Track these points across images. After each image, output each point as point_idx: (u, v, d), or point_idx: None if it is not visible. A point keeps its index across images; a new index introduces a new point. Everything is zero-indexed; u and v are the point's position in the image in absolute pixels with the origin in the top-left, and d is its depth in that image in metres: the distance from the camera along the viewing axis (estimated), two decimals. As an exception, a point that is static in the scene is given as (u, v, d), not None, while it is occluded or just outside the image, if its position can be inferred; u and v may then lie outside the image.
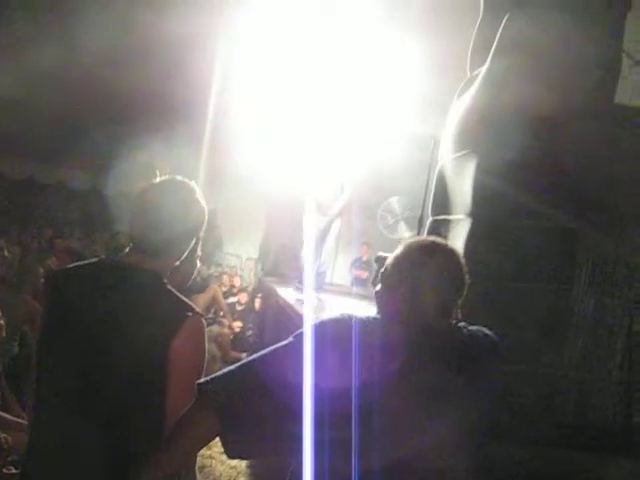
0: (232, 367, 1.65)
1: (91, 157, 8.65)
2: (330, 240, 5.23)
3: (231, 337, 7.12)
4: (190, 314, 1.79)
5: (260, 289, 7.72)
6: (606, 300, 2.27)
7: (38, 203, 9.88)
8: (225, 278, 8.72)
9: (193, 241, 1.88)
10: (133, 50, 7.26)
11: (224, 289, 8.38)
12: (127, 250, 1.86)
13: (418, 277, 1.65)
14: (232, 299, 8.23)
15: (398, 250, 1.71)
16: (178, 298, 1.81)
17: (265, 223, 8.53)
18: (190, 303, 1.85)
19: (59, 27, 7.04)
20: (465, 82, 2.61)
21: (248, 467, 4.43)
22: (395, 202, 8.10)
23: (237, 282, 8.73)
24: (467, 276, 1.69)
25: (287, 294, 4.99)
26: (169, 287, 1.82)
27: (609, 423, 2.15)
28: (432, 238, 1.75)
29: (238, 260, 9.61)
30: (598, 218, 2.27)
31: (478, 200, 2.23)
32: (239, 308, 8.11)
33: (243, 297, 8.29)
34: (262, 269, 8.26)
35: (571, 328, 2.25)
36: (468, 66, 2.67)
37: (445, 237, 2.37)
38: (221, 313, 7.54)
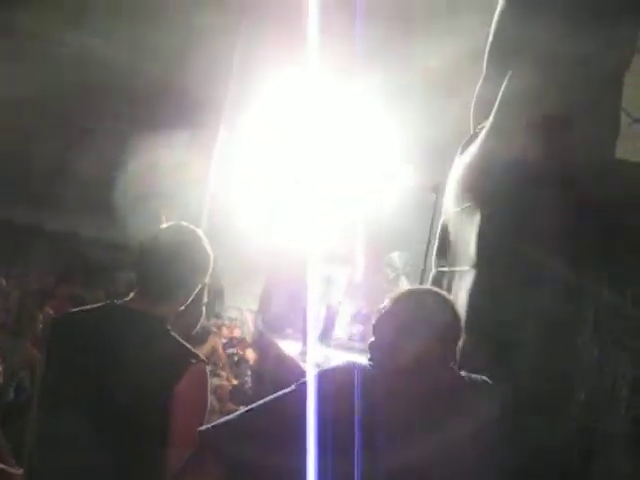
0: (234, 415, 1.65)
1: (97, 206, 8.72)
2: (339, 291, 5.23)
3: (229, 389, 7.02)
4: (194, 361, 1.78)
5: (259, 342, 7.67)
6: (609, 349, 2.26)
7: (39, 248, 9.89)
8: (225, 330, 8.68)
9: (198, 287, 1.89)
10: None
11: (224, 341, 8.32)
12: (132, 295, 1.86)
13: (400, 326, 1.67)
14: (231, 350, 8.18)
15: (385, 302, 1.74)
16: (182, 344, 1.81)
17: (266, 276, 8.52)
18: (193, 350, 1.85)
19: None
20: (468, 139, 2.67)
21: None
22: (396, 257, 8.14)
23: (237, 333, 8.69)
24: (459, 322, 1.69)
25: (289, 347, 4.95)
26: (173, 333, 1.82)
27: (615, 474, 2.11)
28: (422, 287, 1.77)
29: (238, 312, 9.57)
30: (600, 270, 2.28)
31: (482, 252, 2.25)
32: (236, 360, 8.05)
33: (241, 349, 8.26)
34: (262, 321, 8.22)
35: (575, 378, 2.23)
36: (471, 123, 2.73)
37: (449, 289, 2.38)
38: (220, 365, 7.46)
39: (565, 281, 2.21)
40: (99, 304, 1.88)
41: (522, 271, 2.23)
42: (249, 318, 9.30)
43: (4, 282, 7.79)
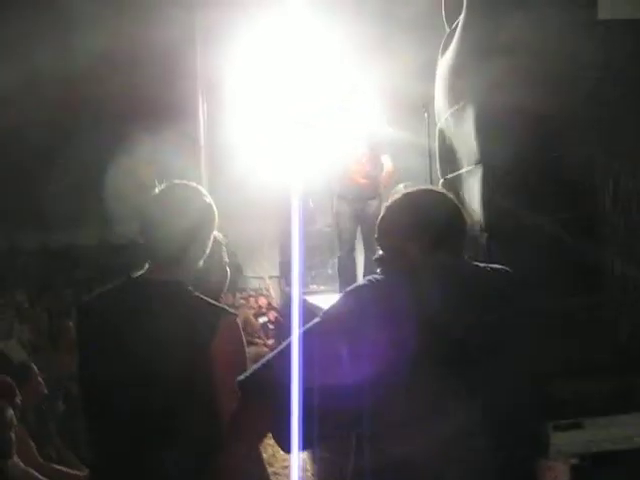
0: (267, 359, 1.61)
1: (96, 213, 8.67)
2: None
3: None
4: (223, 315, 1.78)
5: (286, 304, 7.71)
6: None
7: (51, 268, 9.97)
8: (252, 300, 8.79)
9: (209, 241, 1.86)
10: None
11: (252, 311, 8.44)
12: (146, 265, 1.85)
13: (400, 227, 1.63)
14: (262, 319, 8.32)
15: (382, 211, 1.71)
16: (208, 302, 1.80)
17: (280, 240, 8.48)
18: (220, 304, 1.84)
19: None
20: (445, 38, 2.59)
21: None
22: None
23: (263, 302, 8.80)
24: (461, 215, 1.65)
25: (319, 301, 4.90)
26: (195, 293, 1.81)
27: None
28: (416, 188, 1.73)
29: (260, 281, 9.62)
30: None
31: (483, 146, 2.20)
32: (271, 327, 8.21)
33: (272, 315, 8.42)
34: (287, 284, 8.24)
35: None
36: (445, 22, 2.64)
37: (459, 192, 2.33)
38: (255, 334, 7.57)
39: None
40: (118, 282, 1.87)
41: (527, 158, 2.17)
42: (270, 285, 9.35)
43: (27, 305, 7.88)
